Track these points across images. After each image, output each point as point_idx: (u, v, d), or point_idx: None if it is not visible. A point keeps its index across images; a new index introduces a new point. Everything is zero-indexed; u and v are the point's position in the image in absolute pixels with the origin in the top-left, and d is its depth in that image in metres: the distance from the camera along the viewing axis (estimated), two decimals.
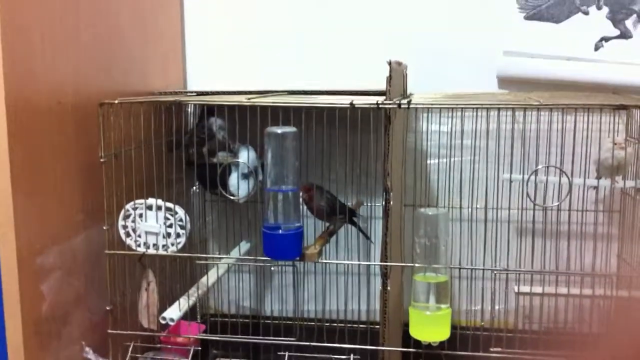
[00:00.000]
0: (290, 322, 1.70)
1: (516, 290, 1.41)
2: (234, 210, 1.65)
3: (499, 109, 1.36)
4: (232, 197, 1.49)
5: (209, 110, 1.59)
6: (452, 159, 1.67)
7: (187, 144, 1.50)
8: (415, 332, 1.28)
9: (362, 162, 1.59)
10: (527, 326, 1.55)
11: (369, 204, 1.73)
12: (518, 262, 1.35)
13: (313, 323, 1.70)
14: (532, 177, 1.26)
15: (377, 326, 1.38)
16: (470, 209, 1.42)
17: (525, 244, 1.36)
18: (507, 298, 1.39)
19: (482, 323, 1.34)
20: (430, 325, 1.27)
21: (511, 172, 1.35)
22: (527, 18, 1.66)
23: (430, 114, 1.68)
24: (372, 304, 1.76)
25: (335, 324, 1.73)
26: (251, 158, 1.50)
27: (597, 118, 1.42)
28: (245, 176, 1.55)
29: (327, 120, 1.38)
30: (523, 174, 1.35)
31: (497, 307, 1.37)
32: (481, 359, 1.31)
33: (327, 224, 1.46)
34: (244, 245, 1.67)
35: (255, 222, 1.63)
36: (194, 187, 1.71)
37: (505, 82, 1.69)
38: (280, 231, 1.28)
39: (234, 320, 1.78)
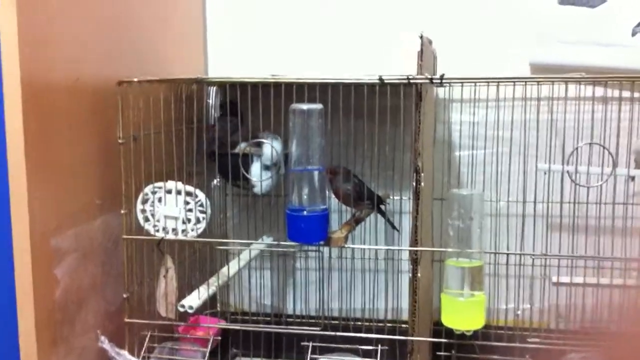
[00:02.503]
0: (314, 320, 1.63)
1: (554, 280, 1.33)
2: (256, 205, 1.60)
3: (538, 82, 1.27)
4: (253, 189, 1.44)
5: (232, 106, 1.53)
6: (484, 151, 1.60)
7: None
8: (448, 320, 1.20)
9: (388, 155, 1.52)
10: (563, 325, 1.47)
11: (395, 197, 1.66)
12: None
13: (337, 321, 1.63)
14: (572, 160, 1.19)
15: (405, 325, 1.32)
16: (498, 202, 1.34)
17: (563, 237, 1.28)
18: (544, 290, 1.32)
19: (518, 312, 1.26)
20: (463, 313, 1.19)
21: (550, 162, 1.28)
22: (561, 3, 1.60)
23: (461, 105, 1.62)
24: (399, 302, 1.68)
25: (361, 323, 1.65)
26: (276, 149, 1.44)
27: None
28: (268, 167, 1.50)
29: (354, 106, 1.30)
30: (564, 163, 1.28)
31: (535, 305, 1.29)
32: (518, 350, 1.23)
33: (354, 211, 1.40)
34: (266, 239, 1.61)
35: (278, 217, 1.57)
36: (215, 181, 1.66)
37: (538, 69, 1.62)
38: (305, 213, 1.22)
39: (255, 318, 1.70)
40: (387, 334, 1.37)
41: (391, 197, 1.65)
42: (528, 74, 1.62)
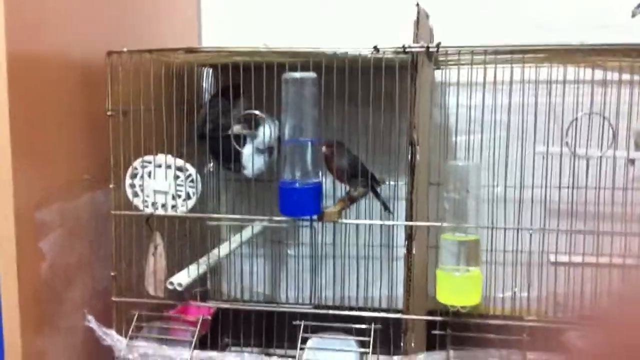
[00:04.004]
0: (307, 308, 1.59)
1: (552, 259, 1.30)
2: (249, 191, 1.56)
3: (535, 52, 1.23)
4: (244, 170, 1.41)
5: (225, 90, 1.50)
6: (481, 135, 1.57)
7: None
8: (443, 297, 1.17)
9: (384, 140, 1.48)
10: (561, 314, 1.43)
11: (391, 182, 1.63)
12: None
13: (331, 306, 1.59)
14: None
15: (401, 314, 1.28)
16: (496, 187, 1.30)
17: (561, 223, 1.25)
18: (542, 270, 1.29)
19: (515, 290, 1.23)
20: (459, 288, 1.16)
21: (547, 144, 1.25)
22: None
23: (458, 89, 1.59)
24: (395, 290, 1.65)
25: (355, 312, 1.62)
26: (271, 133, 1.41)
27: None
28: (261, 151, 1.47)
29: (348, 88, 1.26)
30: (562, 146, 1.25)
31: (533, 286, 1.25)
32: (515, 328, 1.20)
33: (347, 189, 1.36)
34: (257, 226, 1.58)
35: (272, 203, 1.54)
36: (209, 166, 1.62)
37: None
38: (297, 185, 1.19)
39: (247, 303, 1.66)
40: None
41: (387, 182, 1.62)
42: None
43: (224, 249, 1.43)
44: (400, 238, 1.54)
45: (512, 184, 1.30)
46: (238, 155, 1.44)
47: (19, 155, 1.11)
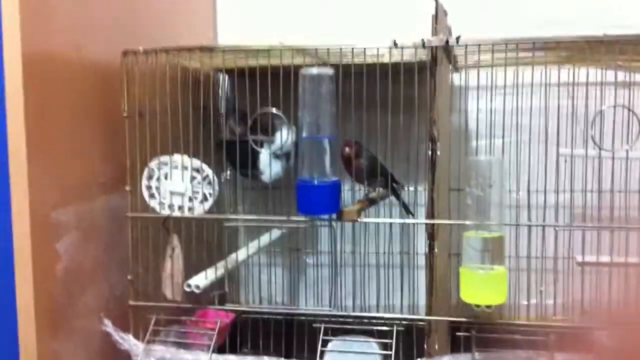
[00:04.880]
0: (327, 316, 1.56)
1: (579, 259, 1.26)
2: (266, 198, 1.54)
3: (558, 42, 1.18)
4: (261, 176, 1.39)
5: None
6: (502, 140, 1.54)
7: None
8: (467, 296, 1.14)
9: (402, 145, 1.45)
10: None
11: (411, 188, 1.60)
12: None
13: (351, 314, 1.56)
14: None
15: (423, 323, 1.25)
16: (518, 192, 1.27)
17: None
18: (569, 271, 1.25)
19: (542, 289, 1.19)
20: (484, 286, 1.13)
21: (573, 147, 1.22)
22: None
23: (478, 92, 1.57)
24: (416, 298, 1.61)
25: (376, 320, 1.58)
26: (288, 138, 1.39)
27: None
28: (278, 156, 1.45)
29: (366, 90, 1.24)
30: (586, 148, 1.22)
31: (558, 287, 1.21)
32: (542, 329, 1.16)
33: (367, 190, 1.34)
34: (275, 232, 1.56)
35: (289, 209, 1.52)
36: (225, 174, 1.60)
37: None
38: (316, 182, 1.16)
39: (266, 311, 1.63)
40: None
41: (406, 189, 1.59)
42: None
43: (242, 254, 1.41)
44: (421, 246, 1.51)
45: (534, 187, 1.26)
46: (255, 161, 1.42)
47: (34, 155, 1.10)
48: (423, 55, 1.21)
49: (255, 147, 1.32)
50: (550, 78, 1.24)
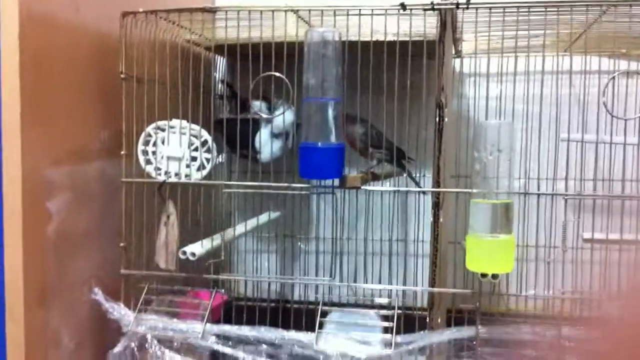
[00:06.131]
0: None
1: (585, 235, 1.23)
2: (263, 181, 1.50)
3: (571, 6, 1.14)
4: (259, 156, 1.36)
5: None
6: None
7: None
8: (473, 264, 1.10)
9: (410, 131, 1.40)
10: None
11: (417, 174, 1.56)
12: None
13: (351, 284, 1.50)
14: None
15: (425, 312, 1.21)
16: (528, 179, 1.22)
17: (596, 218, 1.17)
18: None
19: (549, 260, 1.16)
20: (491, 254, 1.08)
21: (569, 131, 1.18)
22: None
23: (478, 79, 1.55)
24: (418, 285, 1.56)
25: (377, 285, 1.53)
26: (288, 118, 1.35)
27: None
28: (276, 136, 1.42)
29: (373, 67, 1.20)
30: (583, 132, 1.20)
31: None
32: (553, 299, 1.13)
33: (370, 164, 1.30)
34: (273, 215, 1.52)
35: (285, 194, 1.48)
36: (219, 157, 1.56)
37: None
38: (319, 145, 1.13)
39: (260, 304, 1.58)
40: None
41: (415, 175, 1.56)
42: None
43: (239, 227, 1.37)
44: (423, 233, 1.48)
45: (543, 176, 1.22)
46: (253, 140, 1.38)
47: (28, 114, 1.06)
48: (432, 22, 1.18)
49: (258, 114, 1.28)
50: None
